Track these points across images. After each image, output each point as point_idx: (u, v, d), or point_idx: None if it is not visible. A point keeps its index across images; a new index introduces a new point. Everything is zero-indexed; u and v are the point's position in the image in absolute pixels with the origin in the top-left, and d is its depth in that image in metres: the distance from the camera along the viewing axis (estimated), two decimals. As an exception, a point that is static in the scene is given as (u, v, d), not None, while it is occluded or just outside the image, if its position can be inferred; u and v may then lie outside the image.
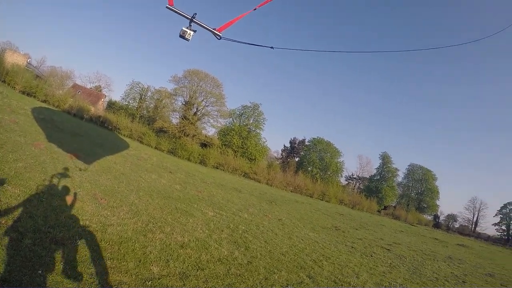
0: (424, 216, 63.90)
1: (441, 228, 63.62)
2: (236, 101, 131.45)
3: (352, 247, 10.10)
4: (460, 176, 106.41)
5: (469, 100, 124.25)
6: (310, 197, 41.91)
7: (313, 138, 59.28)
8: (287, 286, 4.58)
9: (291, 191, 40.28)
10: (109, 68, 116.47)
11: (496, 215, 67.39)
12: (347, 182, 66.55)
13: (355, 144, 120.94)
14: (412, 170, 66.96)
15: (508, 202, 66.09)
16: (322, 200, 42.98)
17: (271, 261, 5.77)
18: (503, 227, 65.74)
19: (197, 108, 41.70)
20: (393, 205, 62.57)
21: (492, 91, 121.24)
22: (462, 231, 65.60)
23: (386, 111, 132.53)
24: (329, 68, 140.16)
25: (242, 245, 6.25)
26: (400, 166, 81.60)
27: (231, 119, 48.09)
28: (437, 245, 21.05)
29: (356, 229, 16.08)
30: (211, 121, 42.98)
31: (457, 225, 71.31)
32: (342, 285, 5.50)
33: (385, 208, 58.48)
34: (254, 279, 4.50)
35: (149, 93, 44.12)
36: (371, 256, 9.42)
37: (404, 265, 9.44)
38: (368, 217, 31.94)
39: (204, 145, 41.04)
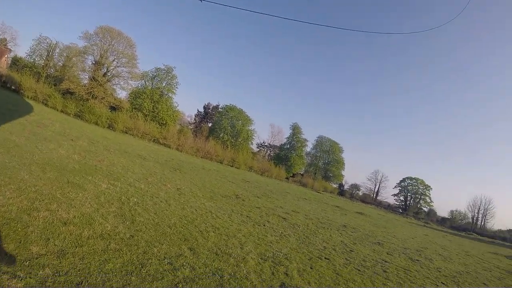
0: (330, 184, 71.62)
1: (345, 196, 70.53)
2: (151, 64, 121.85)
3: (248, 216, 10.29)
4: (365, 152, 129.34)
5: (376, 80, 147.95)
6: (220, 163, 43.05)
7: (226, 105, 60.17)
8: (164, 259, 4.68)
9: (201, 157, 40.78)
10: (16, 20, 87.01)
11: (395, 187, 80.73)
12: (258, 149, 70.01)
13: (269, 113, 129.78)
14: (321, 142, 74.39)
15: (406, 177, 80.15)
16: (232, 166, 44.57)
17: (155, 234, 5.80)
18: (401, 198, 79.31)
19: (107, 69, 38.87)
20: (301, 173, 68.78)
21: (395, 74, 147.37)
22: (365, 199, 74.33)
23: (301, 84, 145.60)
24: (249, 34, 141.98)
25: (129, 218, 6.21)
26: (310, 137, 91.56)
27: (143, 81, 45.91)
28: (336, 213, 21.80)
29: (258, 197, 16.51)
30: (121, 83, 40.84)
31: (360, 194, 79.69)
32: (223, 256, 5.65)
33: (293, 175, 63.72)
34: (132, 253, 4.56)
35: (57, 50, 39.04)
36: (264, 225, 9.59)
37: (296, 234, 9.65)
38: (275, 184, 33.79)
39: (113, 108, 38.96)
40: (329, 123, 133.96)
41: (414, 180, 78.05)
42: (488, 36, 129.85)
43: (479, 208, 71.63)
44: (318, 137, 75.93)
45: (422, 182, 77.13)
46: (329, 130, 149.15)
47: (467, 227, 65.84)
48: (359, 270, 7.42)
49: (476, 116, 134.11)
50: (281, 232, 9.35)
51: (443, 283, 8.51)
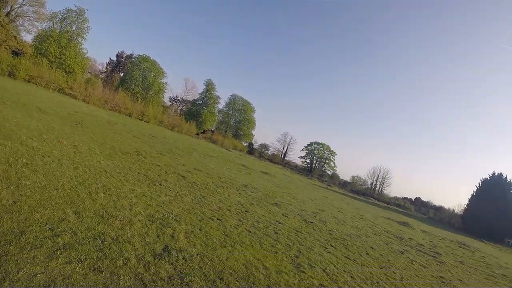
0: (241, 142, 73.18)
1: (254, 154, 73.01)
2: (62, 4, 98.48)
3: (145, 175, 9.74)
4: (276, 115, 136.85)
5: (294, 46, 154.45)
6: (129, 116, 40.60)
7: (139, 55, 55.89)
8: (45, 225, 4.36)
9: (109, 110, 37.57)
10: None
11: (302, 149, 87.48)
12: (170, 103, 67.95)
13: (185, 68, 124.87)
14: (234, 100, 75.00)
15: (313, 141, 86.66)
16: (141, 120, 42.47)
17: (41, 198, 5.19)
18: (308, 160, 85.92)
19: (11, 7, 33.99)
20: (212, 129, 68.94)
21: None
22: (273, 159, 78.44)
23: (221, 45, 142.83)
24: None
25: (14, 182, 5.47)
26: (224, 96, 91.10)
27: (51, 23, 40.08)
28: (241, 172, 21.41)
29: (162, 154, 15.75)
30: (26, 24, 36.25)
31: (269, 153, 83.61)
32: (109, 219, 5.36)
33: (204, 132, 63.60)
34: (13, 221, 4.15)
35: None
36: (160, 185, 9.13)
37: (192, 194, 9.31)
38: (183, 141, 32.75)
39: (16, 53, 33.88)
40: (244, 84, 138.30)
41: (321, 145, 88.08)
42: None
43: (378, 177, 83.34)
44: (231, 95, 76.87)
45: (328, 147, 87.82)
46: (244, 91, 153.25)
47: (366, 192, 76.41)
48: (249, 232, 7.44)
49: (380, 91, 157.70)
50: (177, 192, 8.97)
51: (332, 246, 8.84)
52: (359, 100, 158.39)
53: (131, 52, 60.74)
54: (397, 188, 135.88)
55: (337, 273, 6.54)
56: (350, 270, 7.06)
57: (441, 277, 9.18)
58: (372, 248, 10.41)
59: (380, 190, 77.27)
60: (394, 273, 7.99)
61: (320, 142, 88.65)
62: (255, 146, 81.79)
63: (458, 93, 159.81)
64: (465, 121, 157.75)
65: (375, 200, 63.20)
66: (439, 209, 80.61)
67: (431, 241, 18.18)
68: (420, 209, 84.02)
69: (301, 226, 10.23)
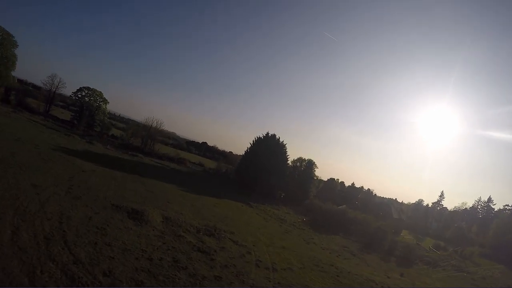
0: None
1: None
2: None
3: None
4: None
5: None
6: None
7: None
8: None
9: None
10: None
11: (71, 96, 71.13)
12: None
13: None
14: None
15: (84, 86, 67.71)
16: None
17: None
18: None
19: None
20: None
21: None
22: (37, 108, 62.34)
23: None
24: None
25: None
26: None
27: None
28: None
29: None
30: None
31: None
32: None
33: None
34: None
35: None
36: None
37: None
38: None
39: None
40: None
41: (92, 91, 68.38)
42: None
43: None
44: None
45: (101, 94, 69.47)
46: None
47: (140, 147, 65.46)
48: None
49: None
50: None
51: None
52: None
53: None
54: (184, 131, 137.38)
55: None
56: None
57: None
58: None
59: (152, 144, 66.35)
60: None
61: (92, 88, 68.36)
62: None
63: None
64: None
65: (143, 157, 52.56)
66: (227, 155, 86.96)
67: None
68: (205, 154, 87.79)
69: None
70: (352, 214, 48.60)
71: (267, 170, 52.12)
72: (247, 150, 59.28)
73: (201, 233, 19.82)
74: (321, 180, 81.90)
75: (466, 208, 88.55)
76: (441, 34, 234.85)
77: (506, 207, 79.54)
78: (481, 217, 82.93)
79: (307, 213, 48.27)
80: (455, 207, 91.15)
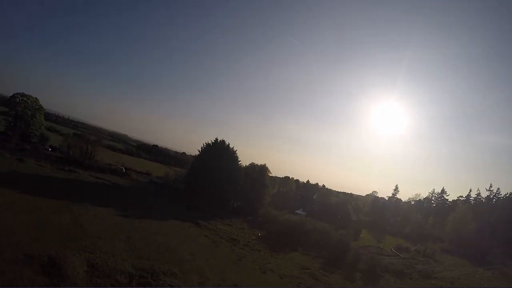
0: None
1: None
2: None
3: None
4: None
5: None
6: None
7: None
8: None
9: None
10: None
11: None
12: None
13: None
14: None
15: (17, 93, 61.70)
16: None
17: None
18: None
19: None
20: None
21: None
22: None
23: None
24: None
25: None
26: None
27: None
28: None
29: None
30: None
31: None
32: None
33: None
34: None
35: None
36: None
37: None
38: None
39: None
40: None
41: (26, 98, 62.22)
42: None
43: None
44: None
45: (37, 101, 63.64)
46: None
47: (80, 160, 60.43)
48: None
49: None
50: None
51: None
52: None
53: None
54: (137, 132, 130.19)
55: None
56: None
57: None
58: None
59: (92, 154, 58.49)
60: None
61: (27, 94, 62.49)
62: None
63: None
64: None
65: (81, 173, 48.82)
66: (179, 156, 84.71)
67: None
68: (156, 159, 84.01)
69: None
70: (311, 225, 45.88)
71: (217, 179, 51.19)
72: (195, 157, 58.24)
73: (133, 283, 16.92)
74: (276, 178, 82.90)
75: (420, 199, 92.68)
76: (390, 34, 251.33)
77: (459, 198, 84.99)
78: (435, 206, 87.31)
79: (263, 225, 46.39)
80: (409, 198, 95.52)
